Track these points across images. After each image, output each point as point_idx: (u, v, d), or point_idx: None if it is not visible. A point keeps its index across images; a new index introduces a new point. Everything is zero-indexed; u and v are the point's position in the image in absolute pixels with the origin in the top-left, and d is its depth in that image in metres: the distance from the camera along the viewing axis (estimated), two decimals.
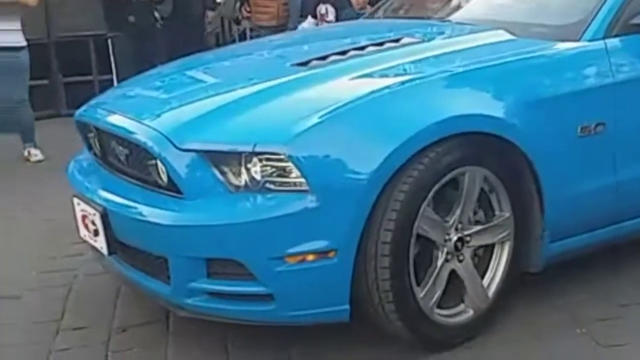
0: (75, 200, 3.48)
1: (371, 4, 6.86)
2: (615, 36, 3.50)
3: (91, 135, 3.69)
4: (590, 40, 3.47)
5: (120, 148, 3.39)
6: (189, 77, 3.75)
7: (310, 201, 2.90)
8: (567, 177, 3.33)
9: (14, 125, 6.88)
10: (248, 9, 8.09)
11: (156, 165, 3.14)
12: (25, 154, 6.97)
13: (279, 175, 2.95)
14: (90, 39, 8.74)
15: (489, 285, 3.31)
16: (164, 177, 3.11)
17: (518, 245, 3.31)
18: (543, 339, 3.30)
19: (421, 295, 3.10)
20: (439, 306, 3.19)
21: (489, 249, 3.32)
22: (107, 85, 7.98)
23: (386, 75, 3.26)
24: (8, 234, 4.96)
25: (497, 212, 3.27)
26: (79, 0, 8.75)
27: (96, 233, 3.33)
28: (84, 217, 3.42)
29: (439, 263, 3.16)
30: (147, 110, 3.38)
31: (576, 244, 3.47)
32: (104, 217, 3.25)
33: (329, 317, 3.06)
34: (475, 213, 3.24)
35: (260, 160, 2.95)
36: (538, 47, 3.45)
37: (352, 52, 3.56)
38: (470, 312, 3.27)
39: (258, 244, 2.93)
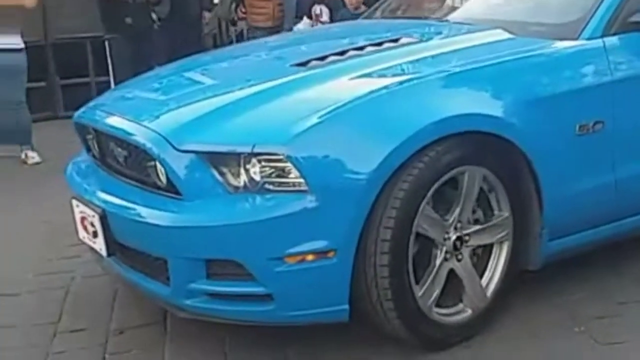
0: (74, 202, 3.48)
1: (366, 4, 6.85)
2: (614, 34, 3.50)
3: (90, 137, 3.68)
4: (588, 39, 3.47)
5: (119, 149, 3.38)
6: (188, 78, 3.75)
7: (309, 201, 2.90)
8: (566, 176, 3.33)
9: (12, 127, 6.86)
10: (243, 10, 8.08)
11: (155, 166, 3.14)
12: (23, 156, 6.96)
13: (278, 176, 2.95)
14: (88, 41, 8.74)
15: (487, 284, 3.31)
16: (163, 179, 3.11)
17: (517, 243, 3.31)
18: (541, 337, 3.30)
19: (420, 293, 3.10)
20: (438, 305, 3.19)
21: (488, 248, 3.32)
22: (104, 87, 7.98)
23: (385, 76, 3.26)
24: (5, 236, 4.94)
25: (496, 212, 3.27)
26: (76, 2, 8.76)
27: (95, 234, 3.33)
28: (82, 219, 3.42)
29: (438, 262, 3.16)
30: (146, 111, 3.37)
31: (575, 242, 3.47)
32: (103, 218, 3.25)
33: (328, 317, 3.06)
34: (474, 212, 3.24)
35: (260, 161, 2.95)
36: (536, 45, 3.45)
37: (351, 53, 3.56)
38: (469, 312, 3.27)
39: (257, 245, 2.93)
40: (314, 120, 2.97)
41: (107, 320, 3.70)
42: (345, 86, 3.21)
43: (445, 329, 3.23)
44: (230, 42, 8.15)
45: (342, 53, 3.55)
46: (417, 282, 3.10)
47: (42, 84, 8.78)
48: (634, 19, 3.52)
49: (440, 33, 3.87)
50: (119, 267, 3.39)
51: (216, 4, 9.21)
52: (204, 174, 3.01)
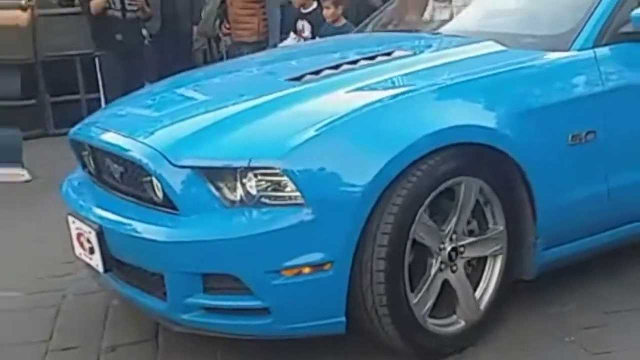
0: (70, 219, 3.48)
1: (346, 17, 6.90)
2: (605, 45, 3.54)
3: (85, 153, 3.69)
4: (579, 50, 3.51)
5: (115, 166, 3.39)
6: (182, 94, 3.76)
7: (305, 214, 2.91)
8: (559, 185, 3.35)
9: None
10: (227, 25, 8.08)
11: (151, 182, 3.15)
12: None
13: (275, 190, 2.96)
14: (77, 58, 8.71)
15: (481, 297, 3.33)
16: (160, 194, 3.12)
17: (511, 253, 3.33)
18: (532, 347, 3.32)
19: (414, 301, 3.11)
20: (432, 316, 3.20)
21: (482, 260, 3.34)
22: (94, 104, 7.99)
23: (380, 89, 3.29)
24: None
25: (490, 226, 3.30)
26: (65, 19, 8.75)
27: (92, 251, 3.33)
28: (79, 235, 3.42)
29: (433, 271, 3.17)
30: (142, 127, 3.38)
31: (569, 251, 3.49)
32: (100, 234, 3.25)
33: (325, 330, 3.07)
34: (468, 223, 3.26)
35: (256, 175, 2.96)
36: (528, 57, 3.48)
37: (345, 66, 3.59)
38: (462, 323, 3.28)
39: (254, 258, 2.94)
40: (310, 133, 2.98)
41: (99, 338, 3.69)
42: (340, 100, 3.23)
43: (439, 339, 3.24)
44: (221, 58, 8.14)
45: (336, 67, 3.58)
46: (412, 290, 3.11)
47: (32, 101, 8.75)
48: (625, 29, 3.57)
49: (433, 46, 3.90)
50: (116, 283, 3.39)
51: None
52: (200, 188, 3.02)
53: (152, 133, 3.29)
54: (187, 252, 3.01)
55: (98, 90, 7.99)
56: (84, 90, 8.78)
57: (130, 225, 3.17)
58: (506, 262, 3.33)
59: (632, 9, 3.57)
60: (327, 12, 6.91)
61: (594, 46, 3.52)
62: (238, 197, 3.00)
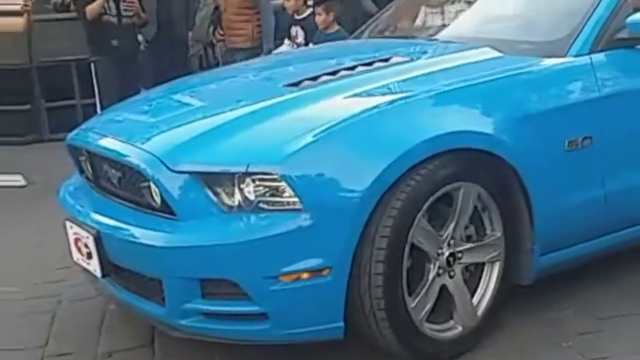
0: (68, 224, 3.48)
1: (339, 23, 6.92)
2: (601, 51, 3.55)
3: (82, 158, 3.70)
4: (576, 56, 3.52)
5: (113, 171, 3.40)
6: (180, 100, 3.77)
7: (304, 220, 2.92)
8: (556, 191, 3.36)
9: None
10: (221, 32, 8.08)
11: (149, 187, 3.15)
12: None
13: (273, 195, 2.97)
14: (73, 63, 8.71)
15: (478, 303, 3.34)
16: (157, 199, 3.12)
17: (509, 259, 3.34)
18: (530, 352, 3.33)
19: (412, 305, 3.12)
20: (430, 320, 3.21)
21: (480, 266, 3.35)
22: (90, 109, 7.99)
23: (377, 95, 3.29)
24: None
25: (488, 232, 3.31)
26: (61, 24, 8.75)
27: (89, 256, 3.34)
28: (76, 240, 3.42)
29: (431, 276, 3.18)
30: (139, 133, 3.39)
31: (566, 256, 3.50)
32: (98, 239, 3.25)
33: (323, 335, 3.07)
34: (466, 228, 3.27)
35: (254, 181, 2.97)
36: (525, 63, 3.50)
37: (342, 72, 3.60)
38: (459, 329, 3.29)
39: (252, 264, 2.95)
40: (308, 139, 2.99)
41: (95, 344, 3.68)
42: (338, 105, 3.24)
43: (437, 344, 3.24)
44: (217, 64, 8.14)
45: (334, 73, 3.59)
46: (410, 295, 3.12)
47: (28, 107, 8.76)
48: (620, 35, 3.59)
49: (430, 52, 3.91)
50: (113, 288, 3.39)
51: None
52: (198, 194, 3.02)
53: (149, 138, 3.29)
54: (185, 258, 3.01)
55: (94, 96, 7.99)
56: (80, 95, 8.76)
57: (128, 230, 3.17)
58: (504, 268, 3.34)
59: (628, 15, 3.59)
60: (318, 19, 6.94)
61: (590, 52, 3.54)
62: (236, 203, 3.00)
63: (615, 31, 3.59)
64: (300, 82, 3.53)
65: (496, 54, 3.62)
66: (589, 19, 3.59)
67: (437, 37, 4.20)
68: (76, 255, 3.48)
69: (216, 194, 3.02)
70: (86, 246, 3.34)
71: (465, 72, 3.44)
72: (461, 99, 3.29)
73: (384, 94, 3.30)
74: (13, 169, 7.16)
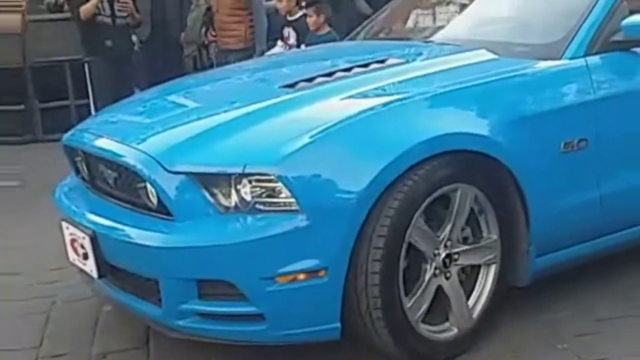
0: (64, 224, 3.48)
1: (330, 25, 6.94)
2: (596, 54, 3.57)
3: (78, 159, 3.69)
4: (571, 58, 3.53)
5: (109, 171, 3.40)
6: (177, 101, 3.76)
7: (300, 221, 2.92)
8: (552, 193, 3.38)
9: None
10: (213, 33, 8.07)
11: (146, 187, 3.15)
12: None
13: (269, 196, 2.97)
14: (67, 64, 8.70)
15: (474, 305, 3.35)
16: (154, 200, 3.13)
17: (505, 262, 3.35)
18: (525, 354, 3.33)
19: (408, 305, 3.13)
20: (425, 322, 3.22)
21: (476, 268, 3.36)
22: (84, 110, 7.99)
23: (374, 96, 3.30)
24: None
25: (485, 235, 3.32)
26: (54, 25, 8.74)
27: (85, 256, 3.34)
28: (72, 241, 3.42)
29: (427, 277, 3.19)
30: (136, 133, 3.39)
31: (562, 257, 3.51)
32: (94, 240, 3.25)
33: (320, 336, 3.08)
34: (462, 230, 3.28)
35: (250, 182, 2.97)
36: (520, 66, 3.51)
37: (338, 74, 3.61)
38: (455, 331, 3.30)
39: (249, 265, 2.95)
40: (305, 140, 3.00)
41: (89, 345, 3.67)
42: (334, 107, 3.25)
43: (432, 345, 3.25)
44: (211, 65, 8.13)
45: (330, 74, 3.60)
46: (406, 295, 3.13)
47: (21, 107, 8.75)
48: (616, 38, 3.60)
49: (425, 54, 3.91)
50: (110, 289, 3.39)
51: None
52: (195, 194, 3.03)
53: (146, 139, 3.29)
54: (181, 258, 3.01)
55: (87, 96, 7.98)
56: (73, 96, 8.76)
57: (124, 230, 3.17)
58: (500, 270, 3.35)
59: (623, 18, 3.60)
60: (309, 20, 6.99)
61: (586, 55, 3.55)
62: (233, 203, 3.00)
63: (611, 34, 3.60)
64: (296, 83, 3.53)
65: (492, 56, 3.63)
66: (584, 21, 3.61)
67: (432, 39, 4.21)
68: (72, 255, 3.48)
69: (213, 194, 3.02)
70: (82, 247, 3.33)
71: (461, 74, 3.45)
72: (457, 100, 3.30)
73: (380, 96, 3.30)
74: (7, 169, 7.13)
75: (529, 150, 3.30)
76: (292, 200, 2.93)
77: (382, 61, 3.72)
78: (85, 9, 7.42)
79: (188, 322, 3.08)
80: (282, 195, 2.95)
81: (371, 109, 3.16)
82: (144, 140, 3.29)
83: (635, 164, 3.64)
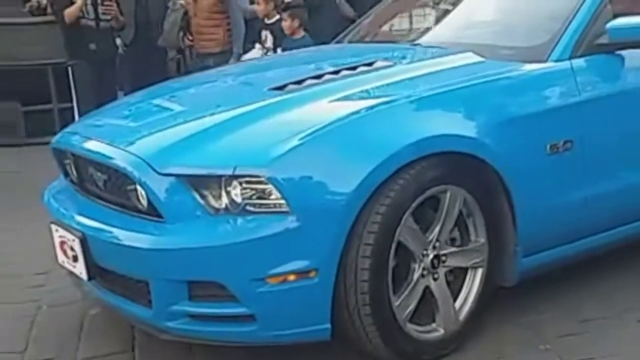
0: (53, 227, 3.48)
1: (306, 30, 6.98)
2: (581, 56, 3.61)
3: (67, 161, 3.69)
4: (556, 61, 3.57)
5: (98, 174, 3.40)
6: (166, 103, 3.76)
7: (290, 222, 2.94)
8: (538, 194, 3.41)
9: None
10: (190, 37, 8.07)
11: (136, 189, 3.16)
12: None
13: (259, 198, 2.99)
14: (50, 67, 8.67)
15: (461, 307, 3.38)
16: (144, 202, 3.13)
17: (492, 262, 3.38)
18: (508, 356, 3.35)
19: (396, 303, 3.15)
20: (413, 322, 3.24)
21: (464, 270, 3.39)
22: (67, 113, 7.97)
23: (362, 98, 3.33)
24: None
25: (472, 238, 3.35)
26: (37, 28, 8.70)
27: (75, 259, 3.34)
28: (62, 243, 3.42)
29: (415, 276, 3.22)
30: (126, 135, 3.39)
31: (548, 258, 3.55)
32: (84, 242, 3.26)
33: (310, 337, 3.10)
34: (451, 232, 3.31)
35: (241, 183, 2.99)
36: (506, 68, 3.54)
37: (327, 76, 3.63)
38: (441, 332, 3.32)
39: (239, 266, 2.96)
40: (294, 142, 3.02)
41: (75, 349, 3.66)
42: (323, 109, 3.27)
43: (419, 344, 3.27)
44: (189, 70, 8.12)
45: (318, 77, 3.62)
46: (394, 293, 3.15)
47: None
48: (600, 41, 3.65)
49: (413, 56, 3.94)
50: (99, 291, 3.39)
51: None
52: (185, 196, 3.04)
53: (136, 141, 3.30)
54: (172, 260, 3.02)
55: (71, 100, 7.94)
56: (57, 99, 8.72)
57: (114, 232, 3.17)
58: (487, 272, 3.38)
59: (607, 21, 3.65)
60: (284, 25, 7.06)
61: (571, 57, 3.59)
62: (223, 205, 3.02)
63: (595, 37, 3.65)
64: (285, 85, 3.55)
65: (478, 58, 3.66)
66: (569, 24, 3.65)
67: (419, 41, 4.24)
68: (61, 258, 3.48)
69: (203, 196, 3.03)
70: (72, 249, 3.33)
71: (448, 76, 3.48)
72: (445, 103, 3.33)
73: (369, 98, 3.33)
74: None
75: (516, 152, 3.33)
76: (283, 201, 2.94)
77: (370, 64, 3.74)
78: (69, 12, 7.39)
79: (178, 323, 3.08)
80: (273, 196, 2.96)
81: (360, 111, 3.19)
82: (134, 142, 3.29)
83: (619, 165, 3.69)
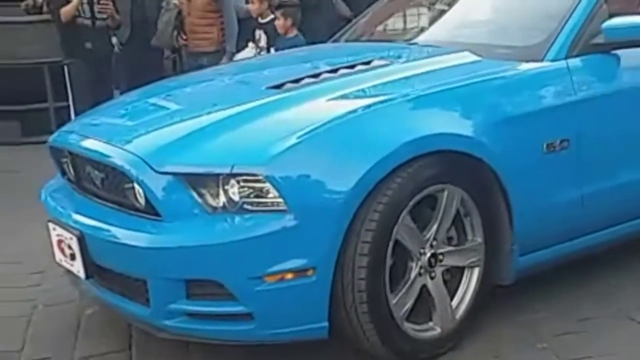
0: (51, 225, 3.48)
1: (300, 29, 6.98)
2: (577, 56, 3.63)
3: (65, 160, 3.69)
4: (552, 60, 3.59)
5: (96, 172, 3.40)
6: (164, 102, 3.76)
7: (288, 220, 2.95)
8: (535, 192, 3.42)
9: None
10: (184, 36, 8.07)
11: (133, 188, 3.16)
12: None
13: (257, 196, 2.99)
14: (46, 66, 8.65)
15: (457, 306, 3.39)
16: (142, 200, 3.14)
17: (489, 261, 3.39)
18: (505, 354, 3.36)
19: (393, 302, 3.16)
20: (410, 320, 3.25)
21: (460, 269, 3.40)
22: (63, 112, 7.95)
23: (360, 97, 3.34)
24: None
25: (470, 237, 3.36)
26: (34, 27, 8.69)
27: (73, 257, 3.34)
28: (59, 242, 3.42)
29: (412, 275, 3.23)
30: (124, 134, 3.40)
31: (545, 256, 3.56)
32: (81, 240, 3.26)
33: (308, 335, 3.10)
34: (448, 230, 3.32)
35: (238, 182, 2.99)
36: (502, 67, 3.56)
37: (325, 75, 3.63)
38: (438, 330, 3.33)
39: (237, 264, 2.97)
40: (292, 141, 3.02)
41: (71, 349, 3.66)
42: (321, 107, 3.28)
43: (416, 343, 3.28)
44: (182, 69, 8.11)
45: (316, 75, 3.63)
46: (392, 291, 3.16)
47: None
48: (596, 40, 3.66)
49: (410, 56, 3.95)
50: (97, 290, 3.40)
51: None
52: (182, 195, 3.04)
53: (134, 140, 3.30)
54: (170, 258, 3.02)
55: (67, 99, 7.94)
56: (53, 98, 8.70)
57: (112, 231, 3.18)
58: (483, 272, 3.39)
59: (603, 21, 3.66)
60: (277, 24, 7.10)
61: (567, 57, 3.60)
62: (221, 204, 3.02)
63: (591, 36, 3.66)
64: (282, 84, 3.56)
65: (475, 58, 3.68)
66: (565, 24, 3.66)
67: (416, 40, 4.25)
68: (59, 256, 3.48)
69: (201, 195, 3.04)
70: (69, 247, 3.34)
71: (445, 75, 3.49)
72: (441, 102, 3.34)
73: (366, 97, 3.34)
74: None
75: (513, 151, 3.34)
76: (280, 200, 2.95)
77: (367, 63, 3.75)
78: (65, 11, 7.39)
79: (176, 322, 3.09)
80: (270, 195, 2.97)
81: (358, 109, 3.20)
82: (131, 140, 3.29)
83: (615, 164, 3.70)
